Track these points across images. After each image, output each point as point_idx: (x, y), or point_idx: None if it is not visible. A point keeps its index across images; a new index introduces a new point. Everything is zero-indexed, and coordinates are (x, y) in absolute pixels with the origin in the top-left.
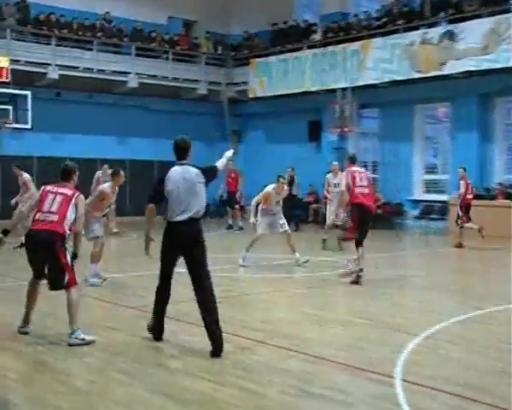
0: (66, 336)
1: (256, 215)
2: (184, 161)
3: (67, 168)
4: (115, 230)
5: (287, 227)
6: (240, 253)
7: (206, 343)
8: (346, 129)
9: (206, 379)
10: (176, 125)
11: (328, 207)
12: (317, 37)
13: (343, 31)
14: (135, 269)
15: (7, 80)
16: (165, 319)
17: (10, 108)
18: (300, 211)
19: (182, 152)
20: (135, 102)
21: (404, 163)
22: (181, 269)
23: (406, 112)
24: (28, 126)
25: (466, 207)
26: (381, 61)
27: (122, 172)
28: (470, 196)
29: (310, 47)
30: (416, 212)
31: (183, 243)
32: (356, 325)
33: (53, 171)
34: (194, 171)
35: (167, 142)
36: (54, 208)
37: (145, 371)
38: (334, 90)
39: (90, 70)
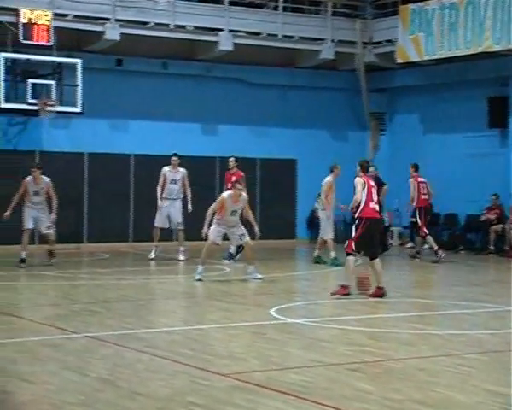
0: None
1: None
2: None
3: None
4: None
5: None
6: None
7: None
8: None
9: None
10: (288, 105)
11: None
12: None
13: None
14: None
15: (49, 44)
16: (274, 394)
17: (53, 82)
18: (477, 234)
19: None
20: (228, 73)
21: None
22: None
23: None
24: (77, 110)
25: None
26: None
27: None
28: None
29: None
30: None
31: None
32: None
33: (110, 172)
34: None
35: (275, 132)
36: None
37: None
38: None
39: (164, 27)
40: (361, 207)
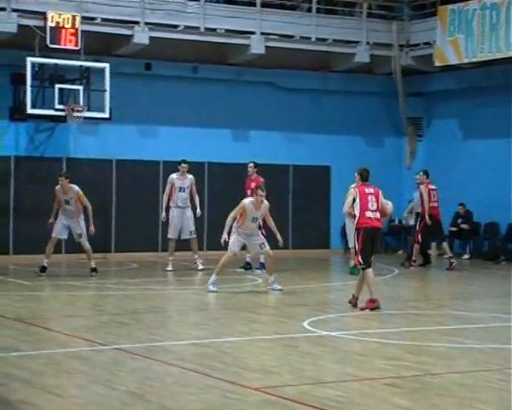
0: None
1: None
2: None
3: None
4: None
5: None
6: None
7: None
8: None
9: None
10: (322, 110)
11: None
12: None
13: None
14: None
15: (77, 48)
16: (307, 409)
17: (80, 88)
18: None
19: None
20: (260, 78)
21: None
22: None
23: None
24: (105, 115)
25: None
26: None
27: None
28: None
29: None
30: None
31: None
32: None
33: (139, 179)
34: None
35: (308, 138)
36: None
37: None
38: None
39: (194, 30)
40: (357, 219)
